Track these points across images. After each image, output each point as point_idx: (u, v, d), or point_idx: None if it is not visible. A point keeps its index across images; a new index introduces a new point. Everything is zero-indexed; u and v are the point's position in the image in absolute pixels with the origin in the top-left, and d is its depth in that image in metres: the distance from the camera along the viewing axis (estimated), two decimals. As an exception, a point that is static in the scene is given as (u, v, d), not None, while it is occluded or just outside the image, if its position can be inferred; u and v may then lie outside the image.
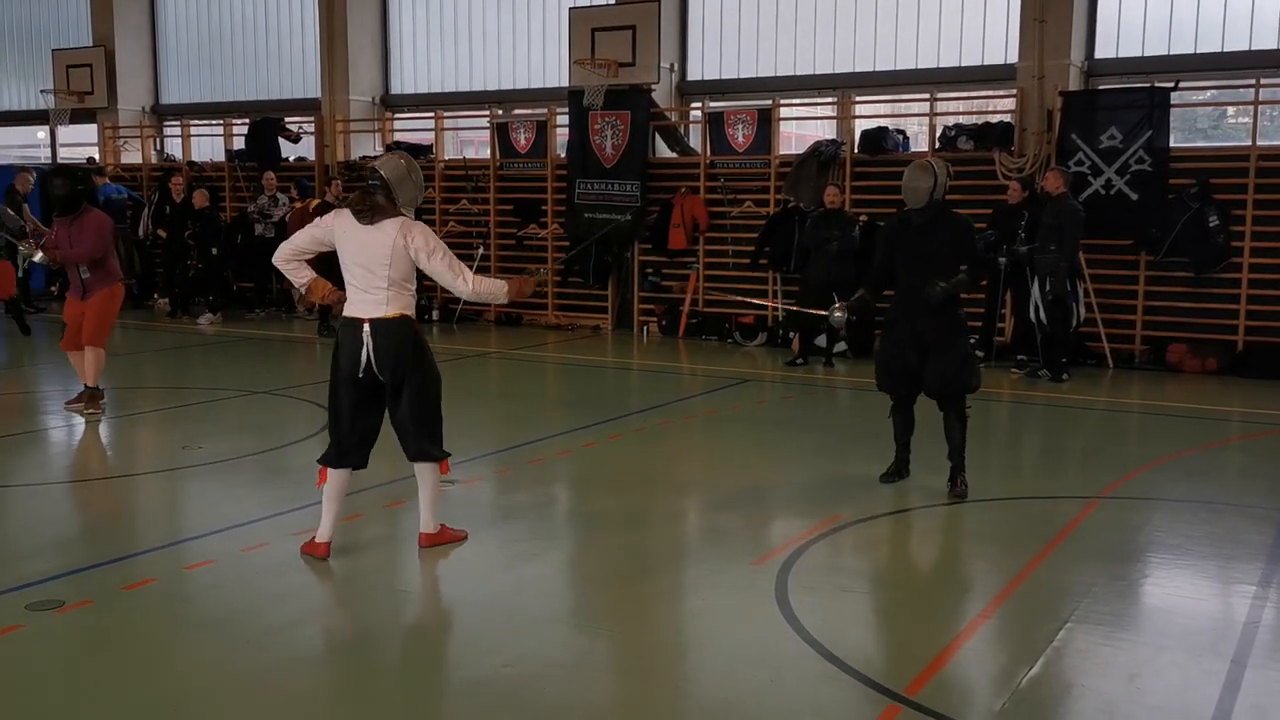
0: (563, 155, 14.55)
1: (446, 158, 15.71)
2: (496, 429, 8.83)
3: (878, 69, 13.32)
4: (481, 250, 14.85)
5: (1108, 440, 8.48)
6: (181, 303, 15.18)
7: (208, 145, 18.04)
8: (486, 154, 15.38)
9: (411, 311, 5.29)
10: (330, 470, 5.45)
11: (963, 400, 6.52)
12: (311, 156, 16.58)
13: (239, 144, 16.79)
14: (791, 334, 12.13)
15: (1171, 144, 11.27)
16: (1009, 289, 11.00)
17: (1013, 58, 12.22)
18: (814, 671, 4.18)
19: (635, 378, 11.83)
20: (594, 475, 7.20)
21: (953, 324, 6.49)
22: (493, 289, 5.41)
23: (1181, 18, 11.82)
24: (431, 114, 15.78)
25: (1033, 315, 10.57)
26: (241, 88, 17.98)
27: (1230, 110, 12.69)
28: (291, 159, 16.65)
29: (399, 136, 16.36)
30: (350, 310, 5.30)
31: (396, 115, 16.67)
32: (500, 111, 15.32)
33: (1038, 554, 5.52)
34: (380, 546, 5.82)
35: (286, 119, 16.63)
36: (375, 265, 5.20)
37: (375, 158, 15.74)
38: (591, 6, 14.07)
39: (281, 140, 16.44)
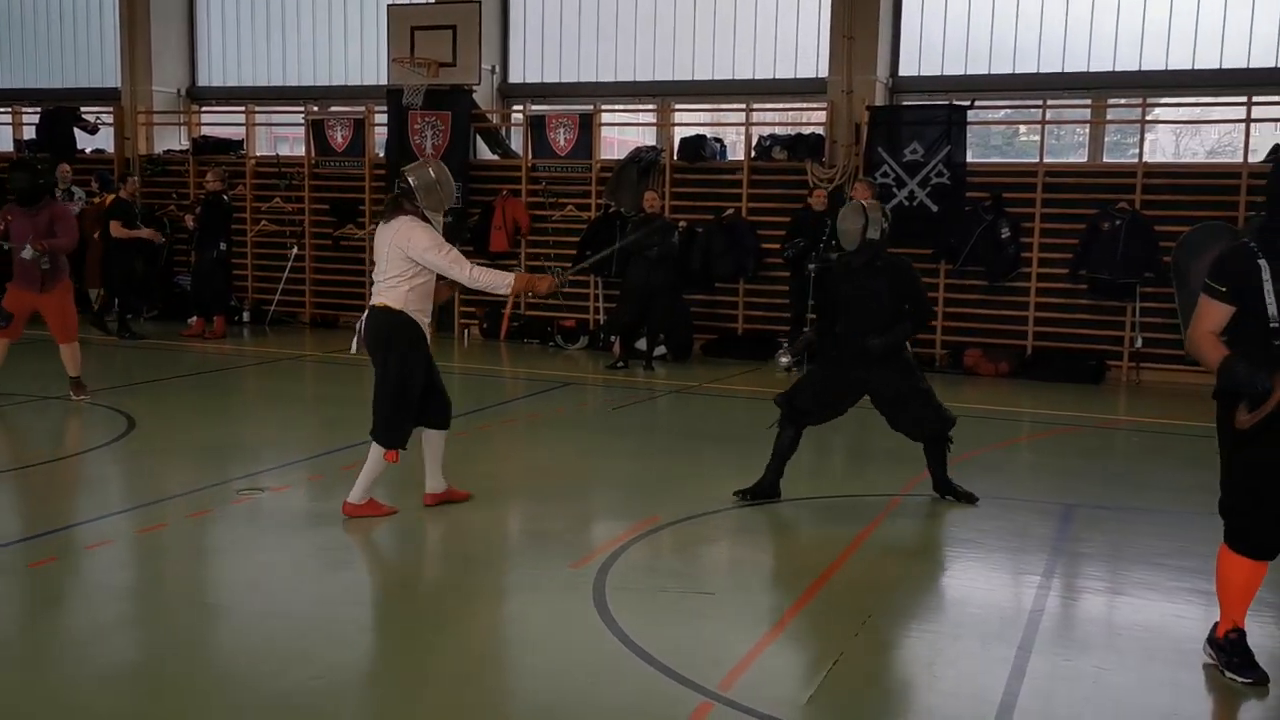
0: (381, 154, 14.27)
1: (258, 154, 15.18)
2: (310, 434, 8.59)
3: (696, 78, 13.59)
4: (295, 250, 14.41)
5: (910, 441, 8.87)
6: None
7: (-5, 133, 16.88)
8: (301, 151, 14.94)
9: (399, 304, 5.72)
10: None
11: (945, 438, 6.53)
12: (111, 149, 15.73)
13: (30, 134, 15.76)
14: (613, 337, 12.24)
15: (968, 159, 11.93)
16: (817, 295, 11.36)
17: (824, 72, 12.68)
18: (630, 671, 4.23)
19: (455, 381, 11.63)
20: (411, 480, 7.06)
21: (904, 371, 6.45)
22: (493, 279, 5.78)
23: (977, 40, 12.52)
24: (242, 108, 15.21)
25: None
26: (33, 74, 16.89)
27: (1021, 129, 13.51)
28: (88, 150, 15.75)
29: (206, 131, 15.70)
30: None
31: (204, 109, 16.00)
32: (316, 108, 14.91)
33: (844, 550, 5.75)
34: (185, 559, 5.58)
35: (83, 109, 15.72)
36: (380, 259, 5.80)
37: (181, 151, 15.27)
38: (410, 4, 13.85)
39: (77, 131, 15.53)
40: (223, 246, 13.19)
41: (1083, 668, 4.40)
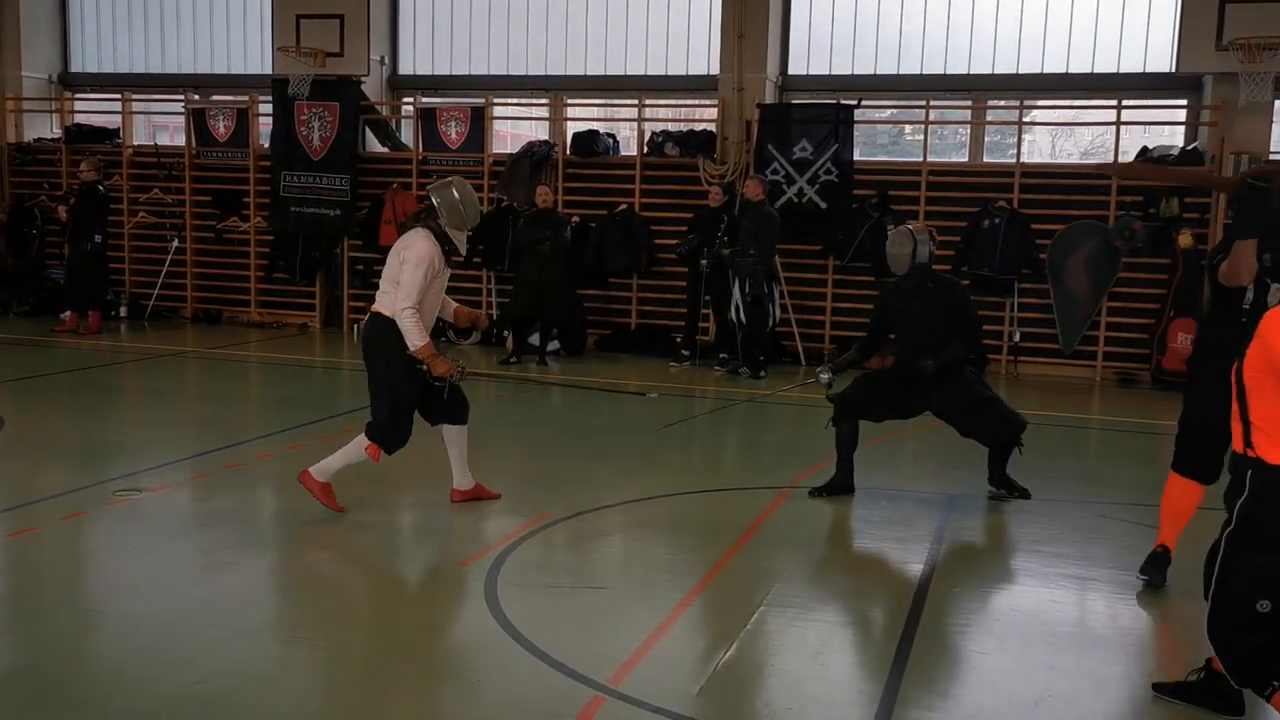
0: (266, 145, 13.94)
1: (136, 143, 14.67)
2: (191, 432, 8.35)
3: (589, 73, 13.58)
4: (176, 243, 13.98)
5: (800, 434, 9.03)
6: None
7: None
8: (181, 141, 14.49)
9: (391, 312, 5.81)
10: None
11: (1017, 442, 6.65)
12: (-23, 136, 15.04)
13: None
14: (505, 332, 12.17)
15: (855, 157, 12.17)
16: (710, 291, 11.49)
17: (715, 69, 12.79)
18: (521, 668, 4.22)
19: (345, 377, 11.49)
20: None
21: (964, 387, 6.56)
22: (413, 330, 5.79)
23: (863, 41, 12.77)
24: (118, 96, 14.69)
25: (733, 315, 11.11)
26: (-110, 56, 16.03)
27: (907, 128, 13.83)
28: (-47, 138, 15.05)
29: (80, 119, 15.12)
30: None
31: (77, 96, 15.40)
32: (196, 97, 14.48)
33: (735, 543, 5.82)
34: (60, 563, 5.37)
35: (-54, 94, 15.01)
36: (386, 267, 5.93)
37: (53, 140, 14.66)
38: (297, -8, 13.54)
39: (-60, 117, 14.83)
40: (98, 239, 12.73)
41: (963, 652, 4.55)
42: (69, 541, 5.63)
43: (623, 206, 12.49)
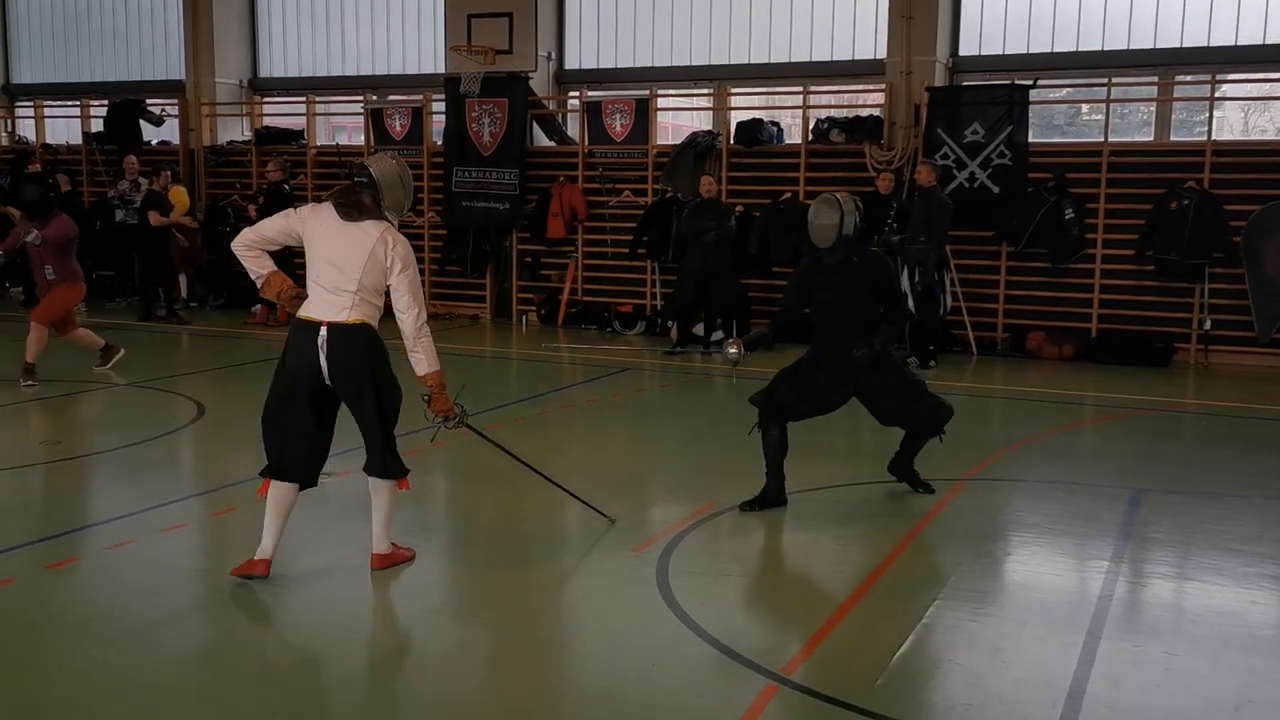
0: (439, 143, 14.38)
1: (319, 144, 15.36)
2: (373, 420, 8.67)
3: (753, 61, 13.51)
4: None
5: (972, 424, 8.77)
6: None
7: (63, 127, 17.24)
8: (361, 140, 15.10)
9: (375, 322, 4.86)
10: (272, 482, 4.99)
11: (940, 430, 6.31)
12: (176, 140, 16.01)
13: (97, 126, 16.10)
14: (670, 322, 12.24)
15: (1030, 139, 11.74)
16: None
17: (882, 53, 12.54)
18: (694, 654, 4.25)
19: (514, 367, 11.79)
20: (472, 465, 7.14)
21: (894, 370, 6.16)
22: (432, 351, 4.95)
23: (1039, 18, 12.30)
24: (303, 99, 15.40)
25: (902, 304, 10.88)
26: (100, 67, 17.23)
27: (1084, 108, 13.26)
28: (154, 142, 16.06)
29: (268, 121, 15.93)
30: (308, 310, 4.83)
31: (265, 99, 16.22)
32: (375, 97, 15.05)
33: (907, 535, 5.71)
34: (255, 543, 5.68)
35: (149, 101, 16.03)
36: (348, 266, 4.75)
37: (244, 142, 15.49)
38: (467, -8, 13.91)
39: (143, 123, 15.84)
40: (286, 236, 13.35)
41: (1153, 653, 4.34)
42: (262, 523, 5.93)
43: (787, 195, 12.38)
